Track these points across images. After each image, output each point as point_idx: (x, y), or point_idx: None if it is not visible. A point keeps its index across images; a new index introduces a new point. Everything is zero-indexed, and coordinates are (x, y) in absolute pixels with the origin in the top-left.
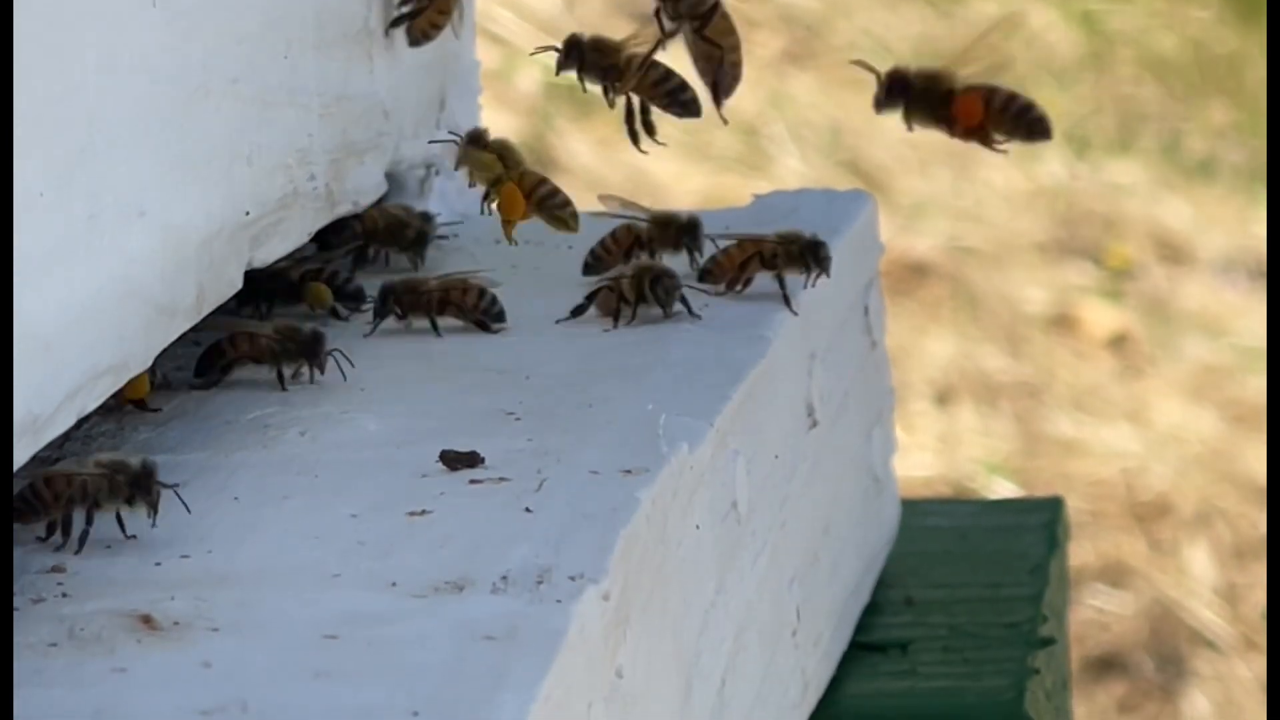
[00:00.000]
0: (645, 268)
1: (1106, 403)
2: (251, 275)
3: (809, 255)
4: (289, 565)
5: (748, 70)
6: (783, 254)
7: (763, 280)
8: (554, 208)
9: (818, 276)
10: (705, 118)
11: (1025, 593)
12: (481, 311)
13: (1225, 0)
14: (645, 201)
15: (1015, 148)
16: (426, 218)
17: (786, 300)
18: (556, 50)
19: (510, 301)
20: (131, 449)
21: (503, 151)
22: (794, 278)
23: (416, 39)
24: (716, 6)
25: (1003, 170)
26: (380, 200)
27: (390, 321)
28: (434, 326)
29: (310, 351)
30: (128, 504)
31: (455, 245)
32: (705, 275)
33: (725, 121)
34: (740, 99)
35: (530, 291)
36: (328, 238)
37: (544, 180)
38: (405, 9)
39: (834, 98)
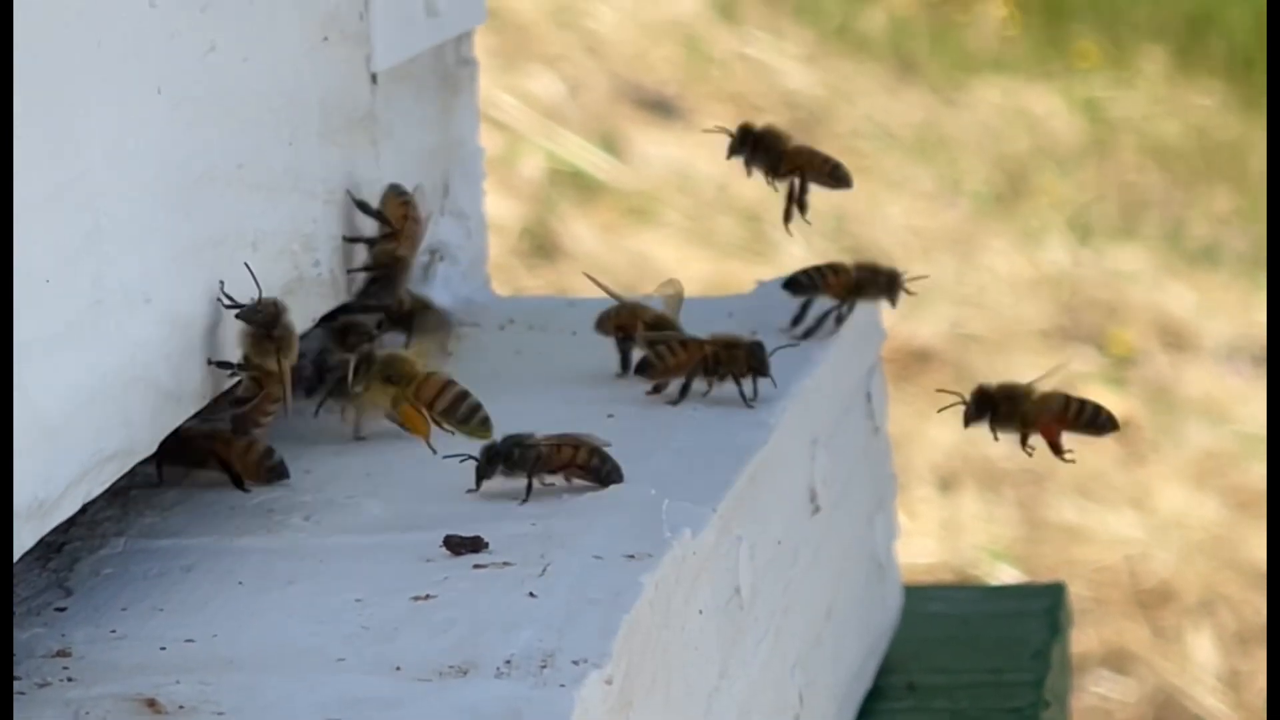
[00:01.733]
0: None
1: (1109, 489)
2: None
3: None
4: (293, 649)
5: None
6: (725, 359)
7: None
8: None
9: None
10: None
11: (1028, 679)
12: (593, 471)
13: (1227, 87)
14: (650, 289)
15: (1019, 233)
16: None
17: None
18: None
19: (513, 386)
20: (138, 533)
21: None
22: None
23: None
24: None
25: (1006, 257)
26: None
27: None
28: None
29: None
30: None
31: (462, 328)
32: (646, 369)
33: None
34: (743, 184)
35: (533, 377)
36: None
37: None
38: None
39: None
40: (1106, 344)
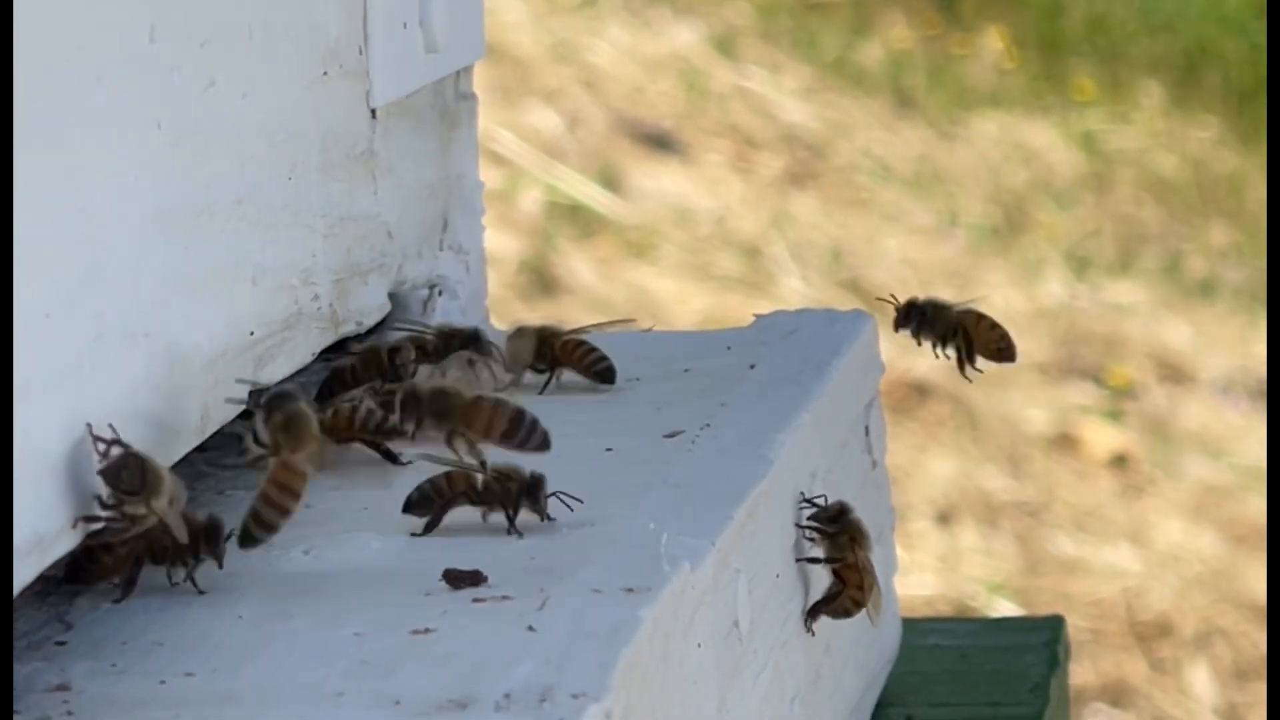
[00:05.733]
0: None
1: (1107, 522)
2: None
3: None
4: (293, 684)
5: (749, 189)
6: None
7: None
8: None
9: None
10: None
11: (1026, 712)
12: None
13: (1225, 121)
14: (649, 322)
15: (1016, 267)
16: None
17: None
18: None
19: None
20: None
21: None
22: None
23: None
24: None
25: (1003, 290)
26: (384, 321)
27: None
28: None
29: (531, 493)
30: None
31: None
32: None
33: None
34: (742, 219)
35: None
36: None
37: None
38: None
39: (835, 218)
40: (1104, 378)
